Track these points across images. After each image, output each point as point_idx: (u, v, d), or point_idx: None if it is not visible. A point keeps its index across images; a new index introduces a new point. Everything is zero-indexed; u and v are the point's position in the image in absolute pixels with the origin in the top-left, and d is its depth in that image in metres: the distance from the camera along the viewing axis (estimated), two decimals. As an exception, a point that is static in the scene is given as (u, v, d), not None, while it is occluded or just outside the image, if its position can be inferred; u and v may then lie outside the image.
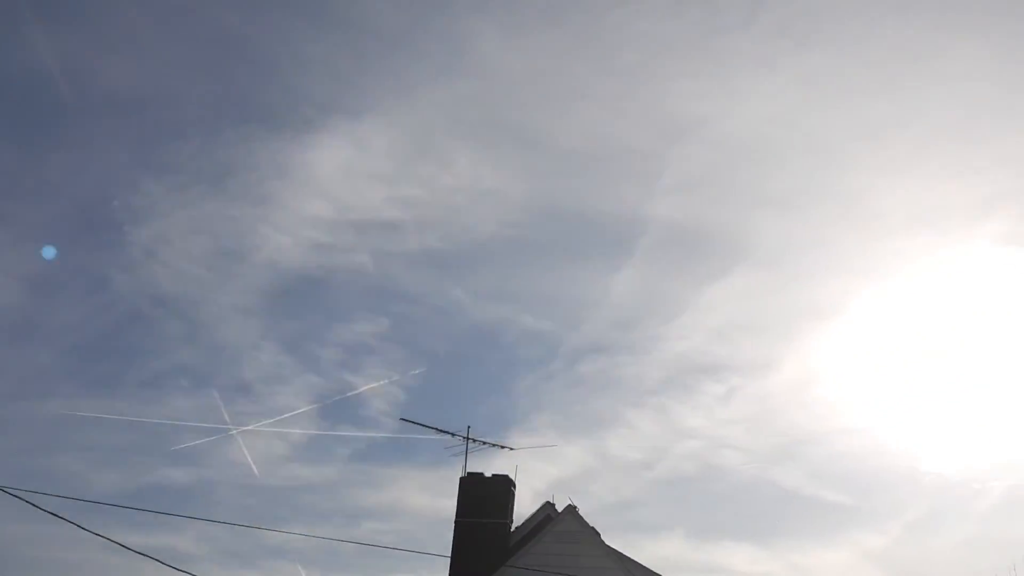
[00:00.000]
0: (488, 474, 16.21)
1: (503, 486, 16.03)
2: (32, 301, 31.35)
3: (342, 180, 33.09)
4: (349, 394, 30.47)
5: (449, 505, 16.10)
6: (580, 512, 15.51)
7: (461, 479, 16.14)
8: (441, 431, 16.82)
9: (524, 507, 16.81)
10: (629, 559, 15.45)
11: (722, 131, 32.53)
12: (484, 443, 16.78)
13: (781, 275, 33.65)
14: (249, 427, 25.27)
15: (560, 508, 15.96)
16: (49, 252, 28.51)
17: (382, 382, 29.63)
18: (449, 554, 15.31)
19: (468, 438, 16.61)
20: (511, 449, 16.87)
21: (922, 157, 32.74)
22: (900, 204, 32.50)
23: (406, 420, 17.18)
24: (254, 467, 25.55)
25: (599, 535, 15.50)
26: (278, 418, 29.17)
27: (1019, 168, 32.32)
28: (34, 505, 10.31)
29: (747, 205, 33.91)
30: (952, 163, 32.41)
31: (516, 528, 16.14)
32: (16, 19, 29.70)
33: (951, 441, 31.66)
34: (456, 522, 15.70)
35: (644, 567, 15.56)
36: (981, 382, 32.00)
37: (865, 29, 31.72)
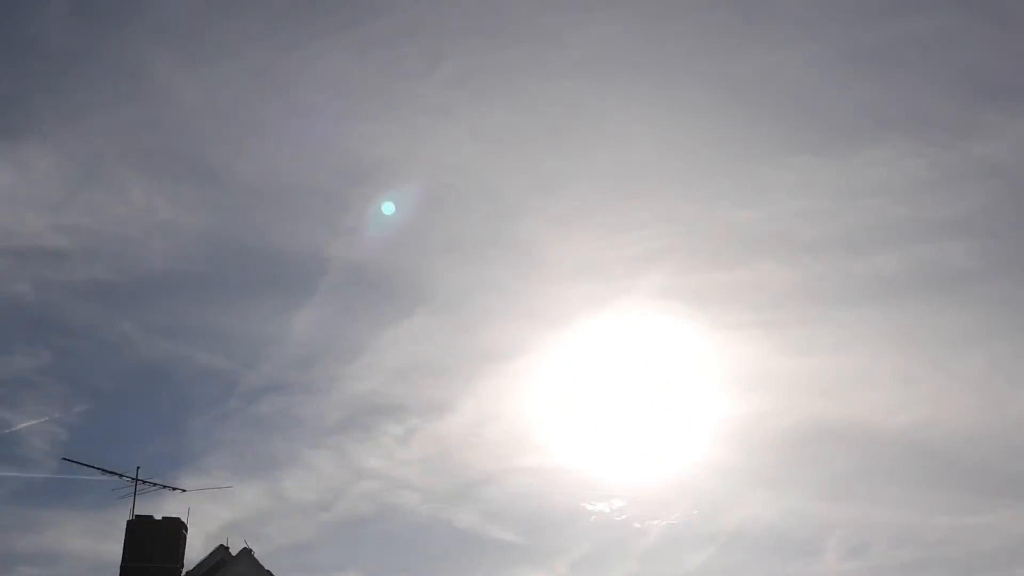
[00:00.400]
0: (158, 516, 15.60)
1: (174, 529, 15.46)
2: None
3: (2, 204, 30.87)
4: (4, 431, 28.08)
5: (115, 549, 15.30)
6: (256, 555, 15.33)
7: (128, 522, 15.39)
8: (107, 471, 15.93)
9: (196, 551, 16.24)
10: (305, 601, 15.46)
11: (404, 174, 33.40)
12: (154, 484, 16.10)
13: (460, 318, 34.46)
14: None
15: (235, 551, 15.63)
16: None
17: (42, 419, 28.10)
18: (114, 602, 14.53)
19: (137, 479, 15.87)
20: (183, 491, 16.31)
21: (589, 210, 35.27)
22: (568, 254, 34.78)
23: (68, 460, 16.10)
24: None
25: None
26: None
27: (675, 226, 35.91)
28: None
29: (429, 249, 34.72)
30: (616, 218, 34.81)
31: (187, 573, 15.59)
32: None
33: (616, 481, 33.05)
34: (122, 567, 14.93)
35: (320, 609, 15.63)
36: (646, 424, 34.57)
37: (540, 87, 34.31)
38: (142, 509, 15.62)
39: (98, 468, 15.94)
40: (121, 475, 15.85)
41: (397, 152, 33.80)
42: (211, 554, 16.19)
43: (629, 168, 34.55)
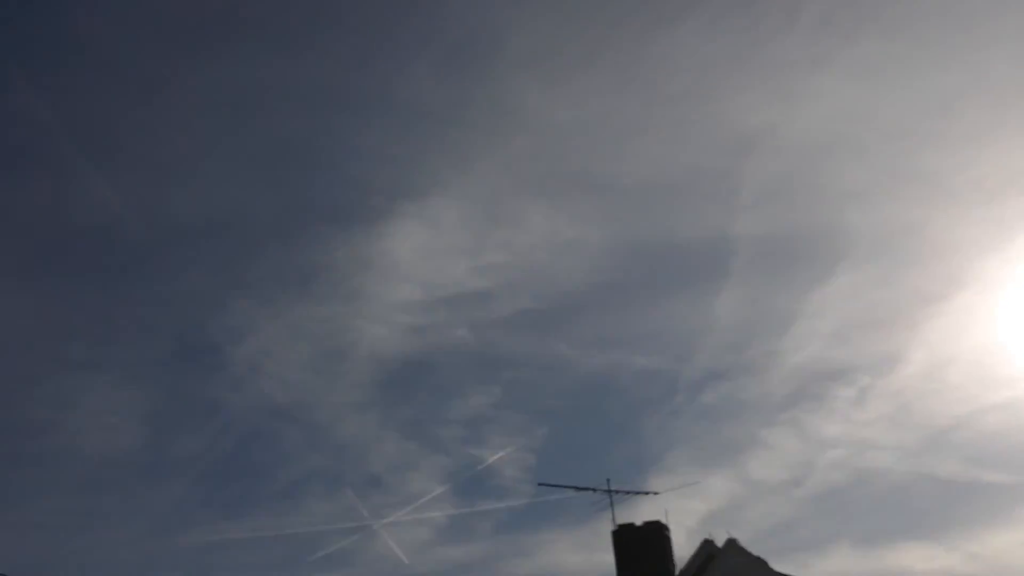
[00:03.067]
0: (639, 523, 15.92)
1: (657, 532, 15.72)
2: (154, 439, 32.37)
3: (423, 260, 33.97)
4: (479, 468, 30.56)
5: (605, 559, 15.81)
6: (741, 543, 15.10)
7: (613, 532, 15.87)
8: (581, 488, 16.59)
9: (681, 548, 16.38)
10: (804, 582, 14.93)
11: (789, 136, 32.54)
12: (627, 492, 16.48)
13: (885, 266, 32.76)
14: (389, 519, 26.79)
15: (720, 543, 15.51)
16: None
17: (508, 450, 29.96)
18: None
19: (610, 491, 16.35)
20: (655, 494, 16.54)
21: (992, 124, 31.92)
22: (983, 173, 31.72)
23: (544, 484, 16.99)
24: (403, 557, 25.89)
25: (766, 563, 15.01)
26: (415, 504, 29.71)
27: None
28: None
29: (831, 203, 33.24)
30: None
31: (680, 572, 15.73)
32: (76, 171, 32.13)
33: None
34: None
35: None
36: None
37: (908, 10, 31.63)
38: (621, 517, 16.06)
39: (571, 487, 16.66)
40: (595, 489, 16.44)
41: (777, 116, 32.87)
42: (698, 550, 16.17)
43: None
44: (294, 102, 35.56)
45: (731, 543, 15.11)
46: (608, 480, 16.35)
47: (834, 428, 30.57)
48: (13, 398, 31.30)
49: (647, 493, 16.52)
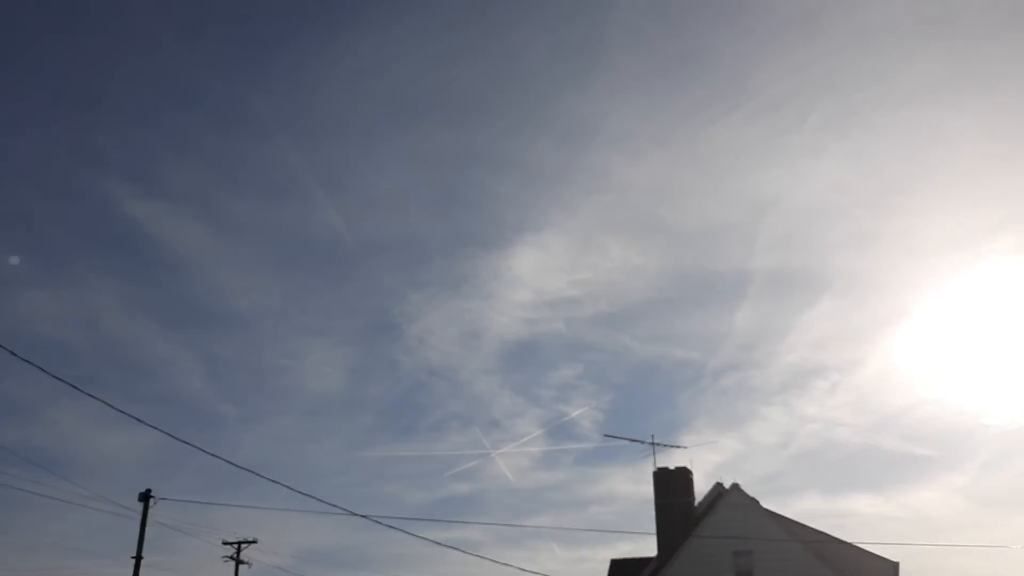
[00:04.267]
0: (672, 467, 22.51)
1: (684, 475, 22.26)
2: (352, 383, 49.02)
3: (537, 274, 47.94)
4: (565, 420, 43.93)
5: (647, 491, 22.53)
6: (742, 487, 21.59)
7: (654, 472, 22.46)
8: (633, 440, 23.29)
9: (701, 488, 23.09)
10: (781, 516, 21.53)
11: (792, 203, 46.15)
12: (665, 445, 23.14)
13: (855, 297, 46.34)
14: (503, 450, 40.87)
15: (727, 486, 22.06)
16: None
17: (585, 408, 43.25)
18: (655, 531, 21.76)
19: (653, 443, 22.99)
20: (684, 447, 23.18)
21: (937, 200, 46.13)
22: (926, 236, 45.33)
23: (608, 435, 23.78)
24: (510, 476, 40.47)
25: (758, 502, 21.52)
26: (520, 441, 43.21)
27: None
28: (376, 520, 17.34)
29: (820, 251, 46.72)
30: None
31: (699, 503, 22.37)
32: (316, 201, 47.43)
33: (1007, 400, 42.29)
34: (656, 504, 22.07)
35: (793, 520, 21.64)
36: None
37: (882, 119, 44.76)
38: (660, 462, 22.69)
39: (627, 438, 23.37)
40: (643, 441, 23.11)
41: (783, 188, 46.71)
42: (711, 489, 22.86)
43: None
44: (460, 162, 50.08)
45: (735, 486, 21.50)
46: (652, 436, 23.02)
47: (812, 409, 43.34)
48: (267, 352, 48.01)
49: (679, 447, 23.19)
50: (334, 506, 16.15)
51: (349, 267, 50.86)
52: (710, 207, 48.13)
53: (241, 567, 26.53)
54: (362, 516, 17.38)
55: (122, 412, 14.01)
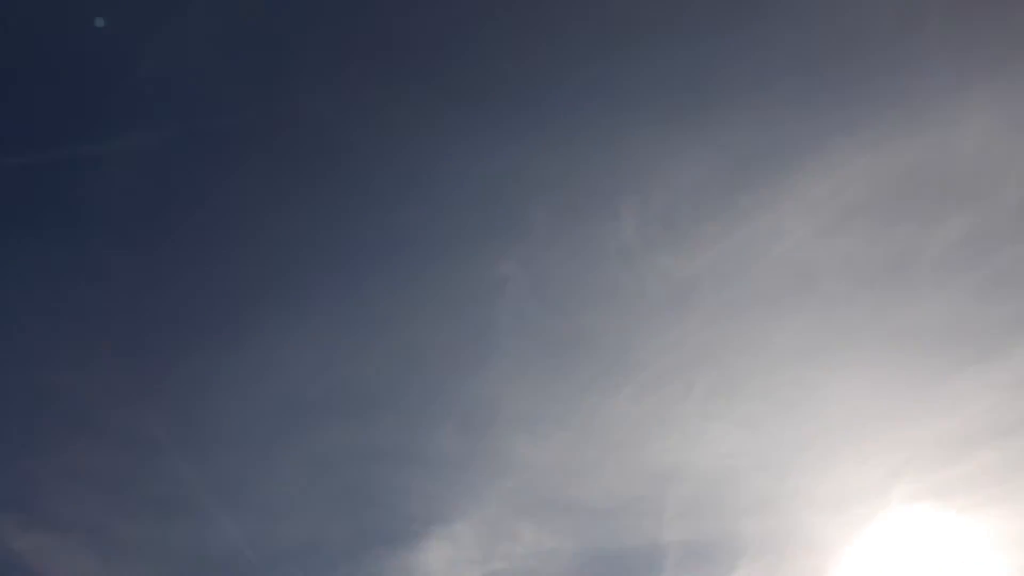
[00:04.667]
0: None
1: None
2: None
3: (447, 568, 46.58)
4: None
5: None
6: None
7: None
8: None
9: None
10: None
11: (693, 470, 44.38)
12: None
13: (771, 559, 42.20)
14: None
15: None
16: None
17: None
18: None
19: None
20: None
21: (838, 456, 41.32)
22: (829, 490, 37.29)
23: None
24: None
25: None
26: None
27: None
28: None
29: (731, 516, 44.11)
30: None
31: None
32: (210, 513, 35.75)
33: None
34: None
35: None
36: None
37: (779, 379, 43.90)
38: None
39: None
40: None
41: (680, 457, 43.80)
42: None
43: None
44: (361, 458, 49.08)
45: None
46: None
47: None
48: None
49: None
50: None
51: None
52: (615, 481, 45.89)
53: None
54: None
55: None
